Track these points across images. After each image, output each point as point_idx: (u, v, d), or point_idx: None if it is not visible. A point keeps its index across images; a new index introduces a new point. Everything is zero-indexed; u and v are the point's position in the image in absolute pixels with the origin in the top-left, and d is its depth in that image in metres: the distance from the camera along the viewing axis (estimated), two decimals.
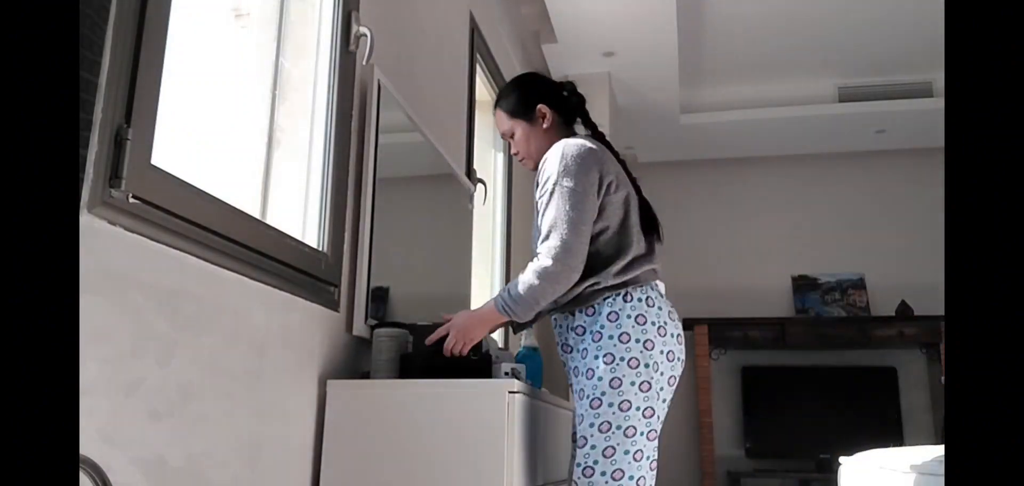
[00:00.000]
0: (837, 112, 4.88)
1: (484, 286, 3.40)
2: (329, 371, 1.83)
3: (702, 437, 4.82)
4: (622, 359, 1.61)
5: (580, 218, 1.63)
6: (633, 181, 1.81)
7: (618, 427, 1.59)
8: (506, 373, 1.77)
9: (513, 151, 1.89)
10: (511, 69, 3.94)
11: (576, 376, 1.69)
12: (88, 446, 1.10)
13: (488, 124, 3.73)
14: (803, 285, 5.22)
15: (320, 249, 1.84)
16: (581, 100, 1.90)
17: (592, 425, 1.61)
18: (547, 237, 1.64)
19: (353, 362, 1.97)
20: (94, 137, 1.14)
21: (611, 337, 1.63)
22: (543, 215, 1.68)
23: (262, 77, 1.83)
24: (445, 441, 1.68)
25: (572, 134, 1.86)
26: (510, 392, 1.68)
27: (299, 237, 1.79)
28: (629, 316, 1.64)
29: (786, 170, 5.49)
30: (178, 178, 1.32)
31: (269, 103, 1.83)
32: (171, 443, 1.29)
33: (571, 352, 1.73)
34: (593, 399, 1.62)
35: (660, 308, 1.68)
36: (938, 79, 4.77)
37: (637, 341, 1.62)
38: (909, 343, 4.81)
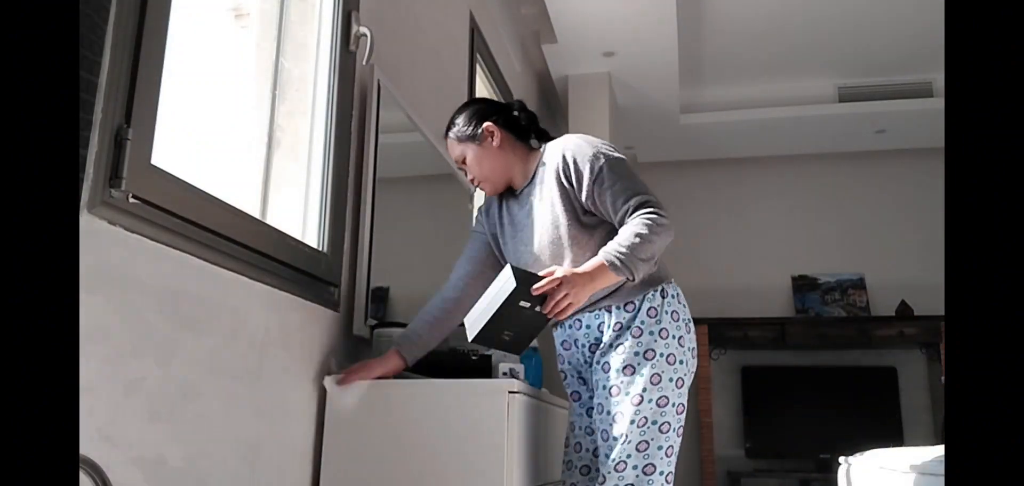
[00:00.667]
0: (837, 112, 4.87)
1: None
2: (329, 371, 1.83)
3: (702, 437, 4.82)
4: (661, 355, 1.61)
5: (645, 185, 1.64)
6: None
7: (654, 422, 1.58)
8: (504, 373, 1.77)
9: (469, 178, 1.81)
10: (511, 69, 3.94)
11: (606, 372, 1.64)
12: (88, 446, 1.10)
13: None
14: (803, 285, 5.22)
15: (320, 249, 1.84)
16: (532, 117, 1.84)
17: (632, 421, 1.58)
18: (642, 199, 1.60)
19: (353, 362, 1.97)
20: (94, 137, 1.14)
21: (652, 333, 1.62)
22: (606, 192, 1.63)
23: (262, 77, 1.83)
24: (445, 441, 1.68)
25: (530, 149, 1.82)
26: (510, 392, 1.68)
27: (299, 237, 1.79)
28: (666, 311, 1.64)
29: (786, 170, 5.49)
30: (178, 178, 1.32)
31: (269, 103, 1.83)
32: (171, 443, 1.29)
33: (602, 350, 1.67)
34: (632, 395, 1.59)
35: (685, 304, 1.71)
36: (938, 79, 4.77)
37: (673, 337, 1.63)
38: (909, 343, 4.81)
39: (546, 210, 1.72)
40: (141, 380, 1.22)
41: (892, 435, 4.74)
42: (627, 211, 1.61)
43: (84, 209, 1.12)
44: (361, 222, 2.00)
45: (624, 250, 1.54)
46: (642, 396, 1.58)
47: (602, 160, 1.64)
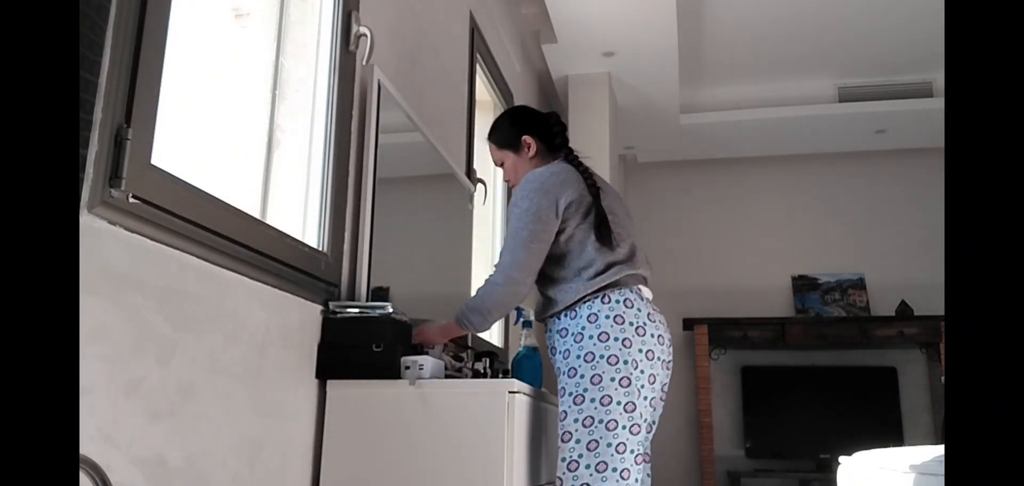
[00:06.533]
0: (837, 112, 4.88)
1: None
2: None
3: (702, 437, 4.82)
4: (602, 356, 1.70)
5: (530, 237, 1.76)
6: (596, 190, 1.87)
7: (600, 421, 1.67)
8: (407, 367, 1.75)
9: (504, 178, 2.02)
10: (511, 69, 3.94)
11: (560, 375, 1.77)
12: (88, 446, 1.10)
13: (488, 124, 3.73)
14: (803, 285, 5.22)
15: (320, 249, 1.84)
16: (563, 130, 2.00)
17: (576, 420, 1.69)
18: (499, 256, 1.80)
19: None
20: (94, 137, 1.14)
21: (591, 337, 1.72)
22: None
23: (262, 77, 1.83)
24: (445, 441, 1.68)
25: (552, 161, 1.95)
26: (510, 392, 1.68)
27: (299, 237, 1.79)
28: (607, 316, 1.73)
29: (786, 170, 5.49)
30: (178, 178, 1.32)
31: (269, 103, 1.83)
32: (171, 443, 1.29)
33: (556, 354, 1.81)
34: (576, 396, 1.70)
35: (639, 309, 1.76)
36: (938, 79, 4.77)
37: (616, 339, 1.71)
38: (909, 343, 4.81)
39: None
40: (141, 380, 1.22)
41: (892, 435, 4.74)
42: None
43: (84, 209, 1.12)
44: (361, 222, 2.00)
45: (466, 308, 1.82)
46: (583, 396, 1.69)
47: (512, 207, 1.81)
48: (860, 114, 4.86)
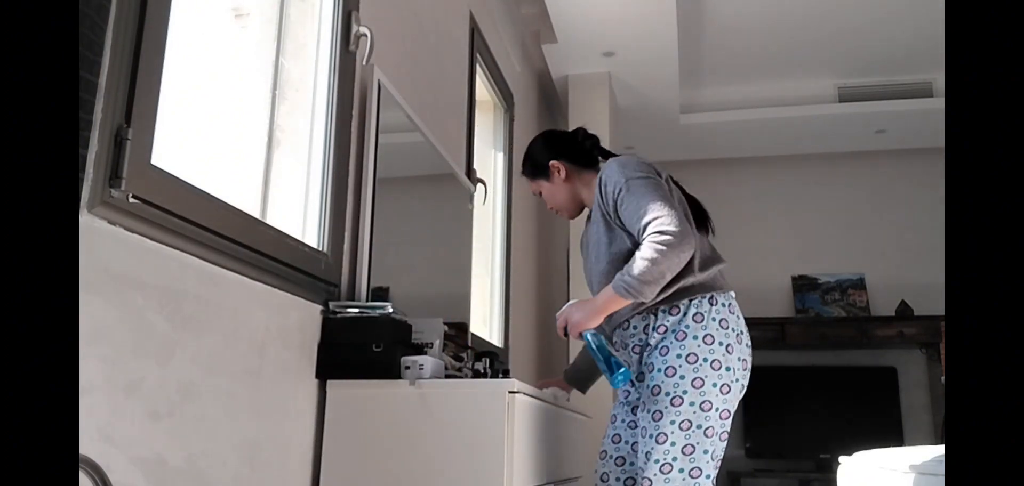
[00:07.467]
0: (837, 112, 4.88)
1: (484, 286, 3.40)
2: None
3: None
4: (705, 360, 1.65)
5: (666, 198, 1.64)
6: (674, 182, 1.83)
7: (698, 426, 1.63)
8: (407, 367, 1.73)
9: (549, 208, 2.01)
10: (511, 69, 3.94)
11: (650, 372, 1.70)
12: (88, 446, 1.10)
13: (488, 124, 3.73)
14: (803, 285, 5.22)
15: (320, 249, 1.84)
16: (595, 140, 1.98)
17: (673, 422, 1.63)
18: (648, 220, 1.62)
19: None
20: (94, 137, 1.14)
21: (696, 337, 1.66)
22: (625, 213, 1.69)
23: (262, 77, 1.83)
24: (445, 441, 1.68)
25: (595, 171, 1.92)
26: (510, 392, 1.68)
27: (299, 237, 1.79)
28: (714, 318, 1.68)
29: (786, 170, 5.49)
30: (178, 178, 1.32)
31: (269, 103, 1.83)
32: (171, 443, 1.29)
33: (648, 351, 1.72)
34: (674, 397, 1.64)
35: (739, 316, 1.74)
36: (938, 79, 4.77)
37: (720, 344, 1.66)
38: (909, 343, 4.81)
39: (595, 233, 1.83)
40: (141, 380, 1.22)
41: (892, 435, 4.74)
42: (639, 233, 1.65)
43: (84, 209, 1.12)
44: (361, 222, 2.00)
45: (627, 276, 1.61)
46: (682, 397, 1.63)
47: (622, 184, 1.70)
48: (860, 114, 4.86)
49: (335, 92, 1.96)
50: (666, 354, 1.67)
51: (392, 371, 1.75)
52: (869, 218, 5.30)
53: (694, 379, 1.64)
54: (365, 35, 2.04)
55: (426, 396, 1.72)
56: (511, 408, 1.68)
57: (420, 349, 1.91)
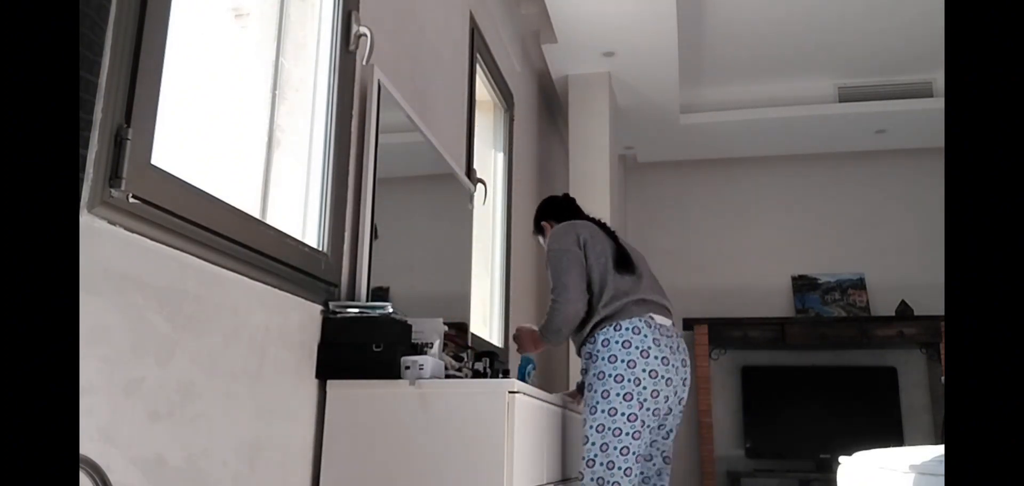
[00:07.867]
0: (837, 112, 4.87)
1: (484, 286, 3.40)
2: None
3: (702, 437, 4.82)
4: (610, 375, 2.03)
5: (567, 269, 2.14)
6: (611, 234, 2.29)
7: (608, 428, 2.01)
8: (407, 367, 1.75)
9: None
10: (511, 69, 3.95)
11: (585, 391, 2.12)
12: (88, 446, 1.10)
13: (488, 124, 3.73)
14: (803, 285, 5.22)
15: (320, 249, 1.84)
16: (571, 201, 2.51)
17: (591, 427, 2.03)
18: (552, 288, 2.16)
19: None
20: (94, 137, 1.14)
21: (603, 359, 2.06)
22: (548, 273, 2.21)
23: (262, 77, 1.83)
24: (445, 441, 1.68)
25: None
26: (510, 392, 1.68)
27: (299, 237, 1.79)
28: (618, 341, 2.06)
29: (786, 170, 5.49)
30: (178, 178, 1.32)
31: (269, 103, 1.83)
32: (171, 443, 1.29)
33: (585, 374, 2.15)
34: (590, 407, 2.06)
35: (645, 336, 2.06)
36: (938, 79, 4.77)
37: (622, 361, 2.04)
38: (909, 343, 4.81)
39: None
40: (141, 380, 1.22)
41: (892, 435, 4.75)
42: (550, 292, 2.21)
43: (84, 209, 1.12)
44: (361, 222, 2.00)
45: (542, 326, 2.20)
46: (596, 407, 2.03)
47: (548, 253, 2.21)
48: (860, 114, 4.86)
49: (335, 92, 1.96)
50: (587, 374, 2.13)
51: (392, 371, 1.75)
52: (869, 218, 5.30)
53: (602, 391, 2.03)
54: (365, 35, 2.04)
55: (426, 396, 1.72)
56: (511, 408, 1.68)
57: (420, 349, 1.91)
